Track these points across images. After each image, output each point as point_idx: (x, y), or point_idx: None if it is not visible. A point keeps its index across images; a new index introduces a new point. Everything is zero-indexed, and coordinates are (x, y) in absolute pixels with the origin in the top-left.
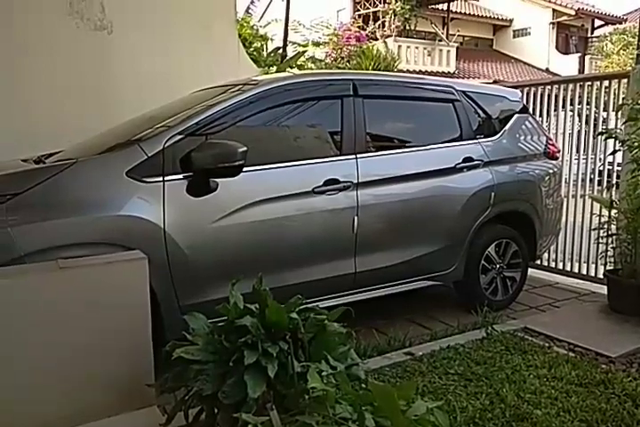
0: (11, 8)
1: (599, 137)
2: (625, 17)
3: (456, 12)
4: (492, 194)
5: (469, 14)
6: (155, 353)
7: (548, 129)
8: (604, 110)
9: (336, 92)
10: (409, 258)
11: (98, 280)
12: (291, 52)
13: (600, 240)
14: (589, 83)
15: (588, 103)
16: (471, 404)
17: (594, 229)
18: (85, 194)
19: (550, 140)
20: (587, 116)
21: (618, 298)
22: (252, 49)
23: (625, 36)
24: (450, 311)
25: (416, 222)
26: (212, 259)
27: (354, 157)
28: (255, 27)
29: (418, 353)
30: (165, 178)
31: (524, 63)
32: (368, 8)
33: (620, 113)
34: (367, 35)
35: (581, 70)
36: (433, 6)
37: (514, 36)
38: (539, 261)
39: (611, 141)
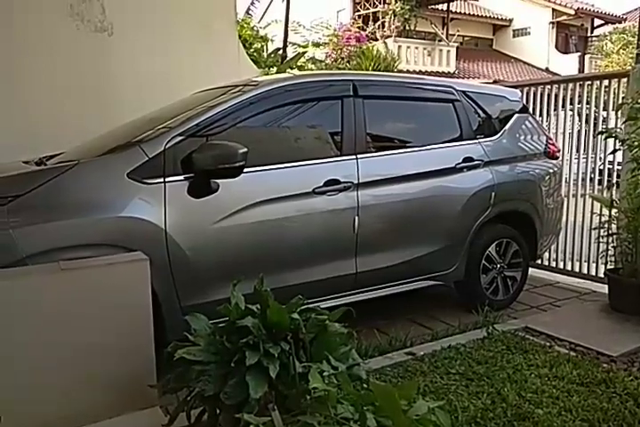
0: (11, 8)
1: (599, 136)
2: (624, 16)
3: (456, 12)
4: (493, 194)
5: (469, 14)
6: (156, 354)
7: (548, 128)
8: (604, 110)
9: (336, 92)
10: (410, 258)
11: (99, 281)
12: (291, 52)
13: (601, 239)
14: (589, 82)
15: (587, 103)
16: (472, 403)
17: (594, 229)
18: (87, 196)
19: (550, 139)
20: (587, 115)
21: (619, 297)
22: (252, 50)
23: (625, 36)
24: (451, 311)
25: (416, 222)
26: (214, 260)
27: (354, 157)
28: (255, 28)
29: (419, 353)
30: (166, 179)
31: (524, 63)
32: (368, 8)
33: (619, 112)
34: (367, 35)
35: (581, 70)
36: (433, 6)
37: (513, 36)
38: (539, 261)
39: (611, 141)
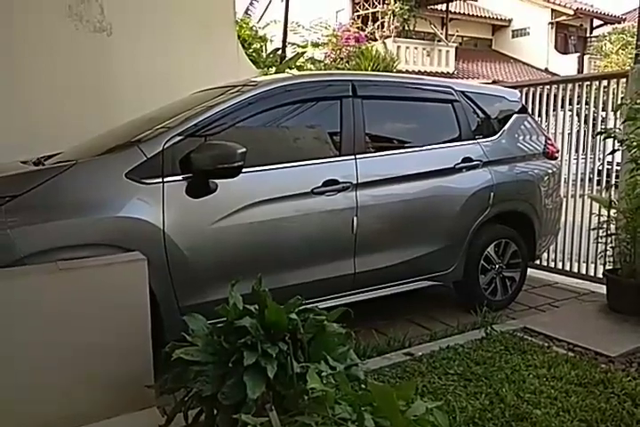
0: (11, 8)
1: (598, 137)
2: (624, 16)
3: (455, 13)
4: (492, 194)
5: (468, 14)
6: (154, 354)
7: (547, 129)
8: (603, 110)
9: (335, 92)
10: (408, 258)
11: (97, 281)
12: (290, 53)
13: (599, 240)
14: (588, 82)
15: (586, 103)
16: (471, 404)
17: (593, 229)
18: (85, 195)
19: (549, 139)
20: (586, 115)
21: (617, 297)
22: (251, 50)
23: (624, 36)
24: (449, 311)
25: (415, 223)
26: (212, 260)
27: (353, 157)
28: (254, 28)
29: (417, 353)
30: (165, 179)
31: (523, 63)
32: (367, 9)
33: (618, 112)
34: (366, 35)
35: (580, 70)
36: (432, 7)
37: (513, 36)
38: (538, 261)
39: (610, 141)
